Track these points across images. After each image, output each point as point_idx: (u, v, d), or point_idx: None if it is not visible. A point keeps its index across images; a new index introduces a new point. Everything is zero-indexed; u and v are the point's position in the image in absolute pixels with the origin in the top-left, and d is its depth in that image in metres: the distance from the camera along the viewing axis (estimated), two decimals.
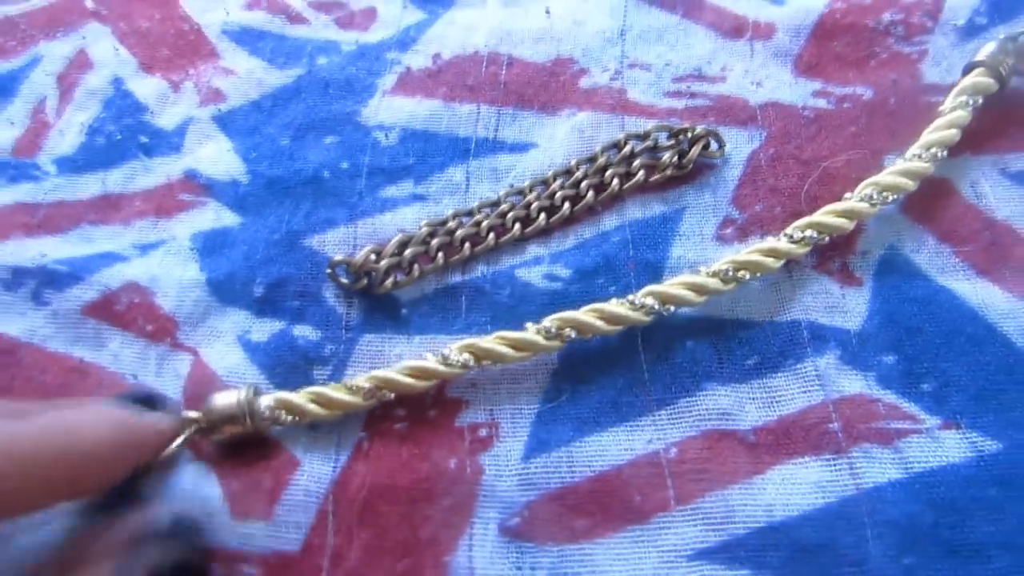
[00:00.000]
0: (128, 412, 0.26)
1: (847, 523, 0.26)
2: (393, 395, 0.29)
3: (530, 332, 0.30)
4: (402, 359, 0.31)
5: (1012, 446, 0.27)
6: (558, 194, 0.34)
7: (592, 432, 0.29)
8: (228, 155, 0.37)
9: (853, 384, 0.29)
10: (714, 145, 0.35)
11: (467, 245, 0.33)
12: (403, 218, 0.35)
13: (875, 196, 0.32)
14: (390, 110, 0.38)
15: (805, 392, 0.29)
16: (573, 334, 0.30)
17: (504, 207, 0.34)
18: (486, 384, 0.30)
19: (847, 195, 0.33)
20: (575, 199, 0.34)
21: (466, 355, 0.29)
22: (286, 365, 0.31)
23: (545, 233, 0.34)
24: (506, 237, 0.34)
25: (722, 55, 0.39)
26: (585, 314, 0.30)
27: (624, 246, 0.33)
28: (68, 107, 0.39)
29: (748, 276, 0.31)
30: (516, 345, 0.29)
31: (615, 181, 0.35)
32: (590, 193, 0.34)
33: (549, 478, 0.28)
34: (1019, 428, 0.28)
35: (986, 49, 0.36)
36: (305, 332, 0.32)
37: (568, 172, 0.35)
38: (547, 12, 0.42)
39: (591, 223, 0.34)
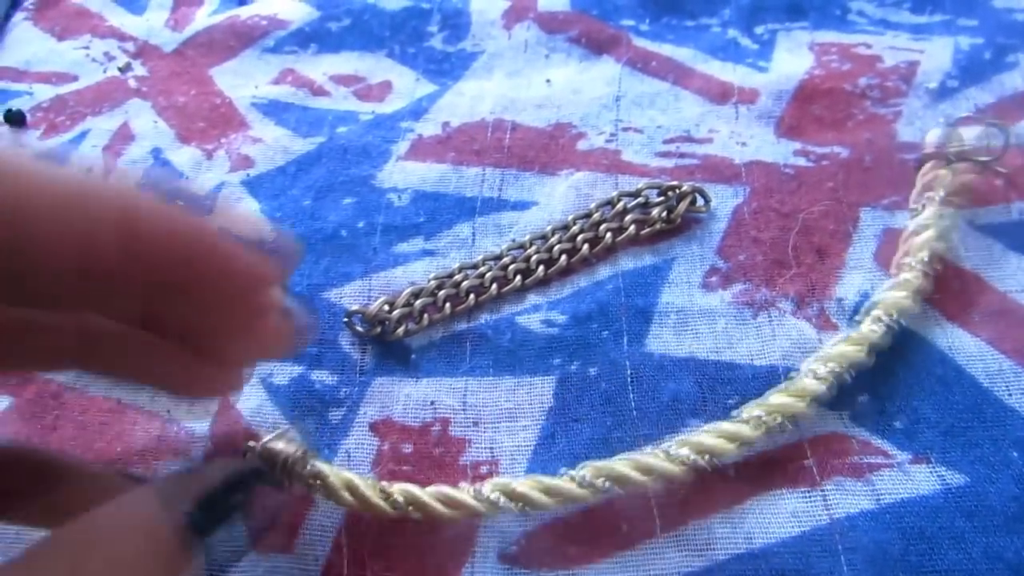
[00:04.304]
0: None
1: (821, 550, 0.28)
2: (420, 515, 0.29)
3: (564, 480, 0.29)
4: (410, 399, 0.33)
5: (978, 480, 0.29)
6: (556, 247, 0.37)
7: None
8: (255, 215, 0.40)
9: (828, 423, 0.31)
10: (700, 200, 0.38)
11: (472, 295, 0.36)
12: (414, 271, 0.37)
13: (884, 318, 0.32)
14: (403, 173, 0.41)
15: (783, 430, 0.31)
16: (607, 484, 0.29)
17: (506, 260, 0.37)
18: (487, 424, 0.32)
19: (856, 318, 0.33)
20: (572, 252, 0.37)
21: (497, 494, 0.29)
22: (304, 407, 0.33)
23: (544, 283, 0.36)
24: (508, 287, 0.36)
25: (709, 118, 0.42)
26: (620, 464, 0.29)
27: (617, 294, 0.35)
28: (112, 176, 0.43)
29: (780, 419, 0.30)
30: (548, 491, 0.29)
31: (609, 235, 0.37)
32: (585, 246, 0.37)
33: None
34: (985, 463, 0.29)
35: (932, 137, 0.37)
36: (322, 376, 0.34)
37: (565, 227, 0.37)
38: (548, 82, 0.45)
39: (586, 273, 0.37)
